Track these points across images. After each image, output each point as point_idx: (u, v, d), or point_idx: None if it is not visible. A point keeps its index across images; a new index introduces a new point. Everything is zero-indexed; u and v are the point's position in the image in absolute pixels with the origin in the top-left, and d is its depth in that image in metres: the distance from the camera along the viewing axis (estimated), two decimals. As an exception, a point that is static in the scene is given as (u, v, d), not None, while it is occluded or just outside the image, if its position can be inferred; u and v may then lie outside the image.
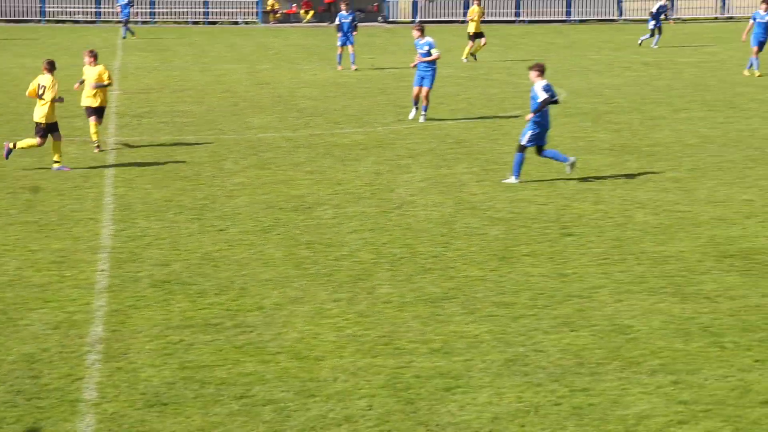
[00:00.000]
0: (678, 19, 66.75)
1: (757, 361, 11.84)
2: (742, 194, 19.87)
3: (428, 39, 27.54)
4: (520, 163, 20.98)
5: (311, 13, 67.52)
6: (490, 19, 66.19)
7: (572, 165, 21.10)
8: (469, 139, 26.02)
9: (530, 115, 20.73)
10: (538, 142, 20.96)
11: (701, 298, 14.02)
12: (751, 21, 37.40)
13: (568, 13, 67.18)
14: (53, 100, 22.07)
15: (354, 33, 41.37)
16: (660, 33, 49.83)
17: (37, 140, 22.32)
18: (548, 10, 66.37)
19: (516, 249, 16.50)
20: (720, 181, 21.00)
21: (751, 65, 37.66)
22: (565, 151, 24.26)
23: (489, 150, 24.50)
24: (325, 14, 66.63)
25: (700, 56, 45.72)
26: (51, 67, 22.48)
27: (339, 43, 41.37)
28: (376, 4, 66.04)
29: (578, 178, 21.33)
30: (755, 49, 36.98)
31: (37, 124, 22.22)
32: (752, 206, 18.95)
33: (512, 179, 21.00)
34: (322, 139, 26.09)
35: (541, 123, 20.89)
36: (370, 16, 65.97)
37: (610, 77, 38.36)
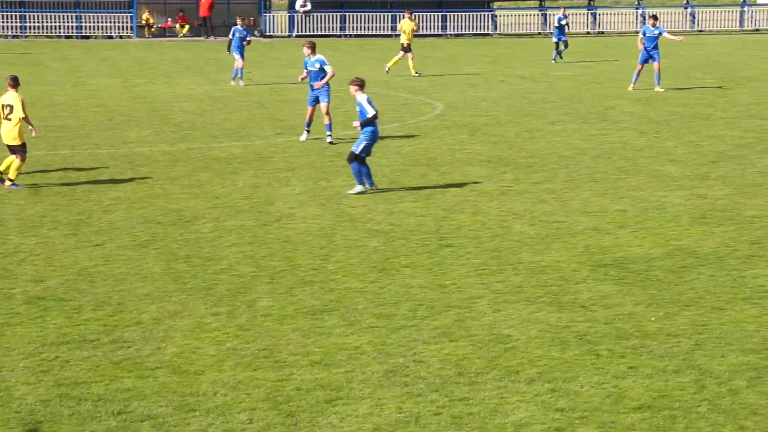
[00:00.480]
0: (550, 33, 67.79)
1: (630, 367, 12.05)
2: (615, 205, 20.23)
3: (320, 57, 27.13)
4: (360, 172, 21.11)
5: (187, 27, 67.06)
6: (369, 33, 66.54)
7: (360, 192, 21.08)
8: (347, 152, 26.05)
9: (357, 123, 21.03)
10: (368, 153, 21.23)
11: (577, 307, 14.24)
12: (641, 35, 38.02)
13: (444, 27, 67.75)
14: (22, 119, 21.06)
15: (246, 44, 40.81)
16: (566, 46, 50.45)
17: (17, 161, 21.43)
18: (424, 24, 66.85)
19: (395, 260, 16.57)
20: (594, 192, 21.36)
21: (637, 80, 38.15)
22: (445, 163, 24.46)
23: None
24: (201, 28, 66.22)
25: (574, 70, 46.50)
26: (15, 83, 21.20)
27: (237, 57, 40.71)
28: (252, 18, 65.77)
29: (457, 190, 21.52)
30: (656, 64, 37.48)
31: (9, 146, 21.30)
32: (625, 216, 19.31)
33: (357, 188, 21.12)
34: (200, 153, 25.91)
35: (375, 135, 21.19)
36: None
37: (486, 90, 38.80)
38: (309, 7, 67.15)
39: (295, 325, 13.55)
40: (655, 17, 38.31)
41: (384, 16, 67.55)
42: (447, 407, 11.02)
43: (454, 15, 68.01)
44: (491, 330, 13.36)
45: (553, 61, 49.67)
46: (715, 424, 10.57)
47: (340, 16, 67.35)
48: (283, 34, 67.42)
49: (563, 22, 50.08)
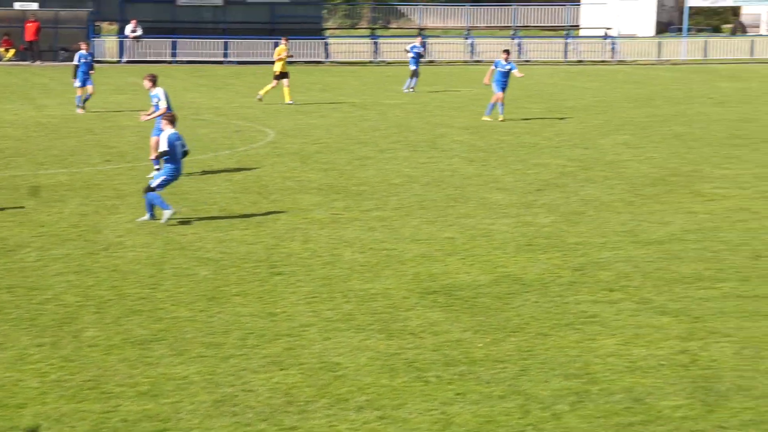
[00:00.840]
0: (382, 61, 68.48)
1: (458, 394, 12.21)
2: (444, 232, 20.50)
3: (158, 90, 26.17)
4: (156, 201, 20.81)
5: (12, 51, 65.60)
6: (200, 59, 66.14)
7: (171, 216, 20.89)
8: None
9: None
10: (163, 188, 21.00)
11: (406, 334, 14.36)
12: (493, 67, 38.52)
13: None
14: None
15: (91, 72, 39.86)
16: (416, 76, 50.02)
17: None
18: (257, 51, 66.79)
19: (225, 289, 16.47)
20: (423, 220, 21.61)
21: (493, 109, 38.58)
22: (276, 190, 24.44)
23: (197, 190, 24.40)
24: (27, 52, 64.87)
25: (403, 98, 47.00)
26: None
27: (78, 84, 39.81)
28: (81, 42, 64.69)
29: (288, 218, 21.51)
30: (500, 94, 38.00)
31: None
32: (454, 243, 19.58)
33: (167, 213, 20.68)
34: (24, 180, 25.34)
35: (177, 172, 21.05)
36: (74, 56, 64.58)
37: (318, 118, 38.92)
38: (140, 32, 66.43)
39: (123, 355, 13.34)
40: (507, 51, 38.85)
41: (215, 43, 67.22)
42: (276, 436, 10.99)
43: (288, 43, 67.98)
44: (321, 358, 13.38)
45: (406, 90, 49.53)
46: (540, 448, 10.77)
47: (172, 42, 66.81)
48: (113, 59, 66.52)
49: (417, 51, 49.89)
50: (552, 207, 22.87)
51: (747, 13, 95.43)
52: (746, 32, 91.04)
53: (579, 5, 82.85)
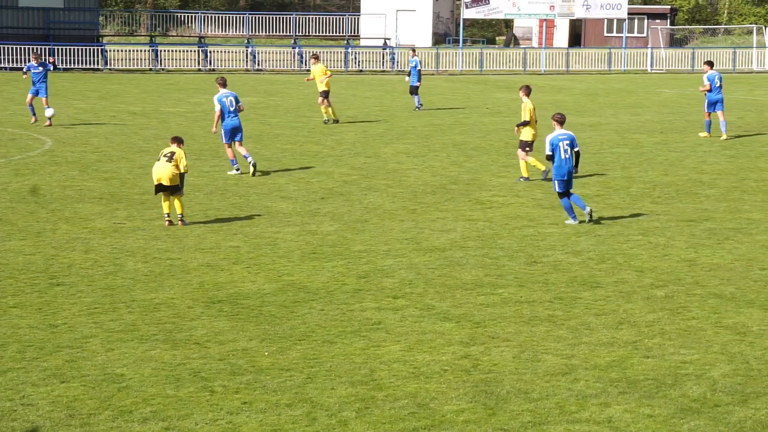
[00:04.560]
0: (162, 69, 67.71)
1: (244, 403, 12.17)
2: (229, 241, 20.40)
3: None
4: None
5: None
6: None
7: None
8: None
9: None
10: None
11: (192, 344, 14.23)
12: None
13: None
14: None
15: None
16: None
17: None
18: (22, 58, 65.03)
19: (3, 300, 15.99)
20: (208, 229, 21.45)
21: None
22: (55, 200, 23.86)
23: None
24: None
25: (185, 106, 46.58)
26: None
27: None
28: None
29: (68, 227, 21.04)
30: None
31: None
32: (238, 252, 19.51)
33: None
34: None
35: None
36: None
37: (97, 126, 38.18)
38: None
39: None
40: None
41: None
42: (59, 451, 10.74)
43: (62, 49, 66.49)
44: (104, 369, 13.13)
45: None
46: (327, 454, 10.83)
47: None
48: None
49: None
50: (336, 215, 23.04)
51: (519, 26, 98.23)
52: (519, 44, 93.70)
53: (359, 15, 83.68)
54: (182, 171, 21.30)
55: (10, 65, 64.58)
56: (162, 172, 21.11)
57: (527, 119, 27.23)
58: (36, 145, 33.05)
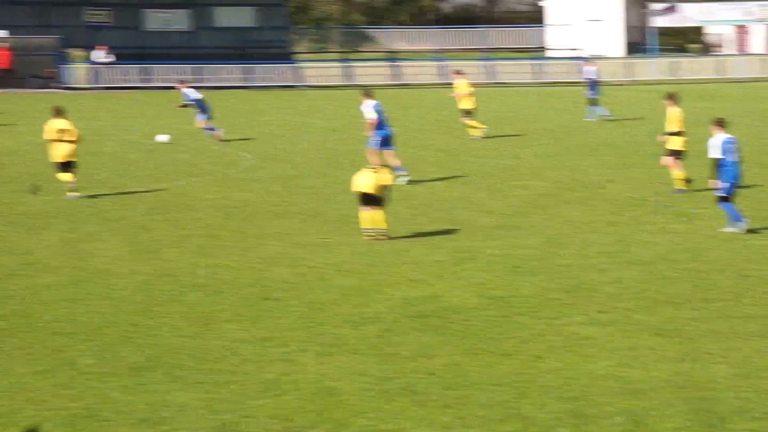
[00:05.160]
0: (354, 85, 68.47)
1: (458, 418, 12.13)
2: (433, 255, 20.43)
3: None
4: None
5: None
6: (172, 85, 65.87)
7: None
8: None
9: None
10: None
11: (401, 358, 14.27)
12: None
13: (248, 79, 67.52)
14: None
15: None
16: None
17: None
18: (227, 75, 66.17)
19: (217, 315, 16.37)
20: (411, 243, 21.52)
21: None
22: (258, 214, 24.29)
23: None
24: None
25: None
26: None
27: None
28: (53, 69, 64.57)
29: (274, 243, 21.43)
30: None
31: None
32: (442, 266, 19.50)
33: None
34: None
35: None
36: (46, 81, 64.45)
37: (294, 143, 38.73)
38: (113, 58, 66.29)
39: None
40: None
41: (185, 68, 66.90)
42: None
43: (256, 67, 67.81)
44: (317, 383, 13.29)
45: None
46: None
47: (141, 69, 66.57)
48: (85, 85, 66.08)
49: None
50: (537, 229, 22.87)
51: (711, 33, 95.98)
52: (712, 51, 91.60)
53: (542, 27, 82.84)
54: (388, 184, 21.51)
55: (213, 85, 65.88)
56: (365, 181, 21.27)
57: (676, 129, 26.88)
58: (240, 161, 33.82)
